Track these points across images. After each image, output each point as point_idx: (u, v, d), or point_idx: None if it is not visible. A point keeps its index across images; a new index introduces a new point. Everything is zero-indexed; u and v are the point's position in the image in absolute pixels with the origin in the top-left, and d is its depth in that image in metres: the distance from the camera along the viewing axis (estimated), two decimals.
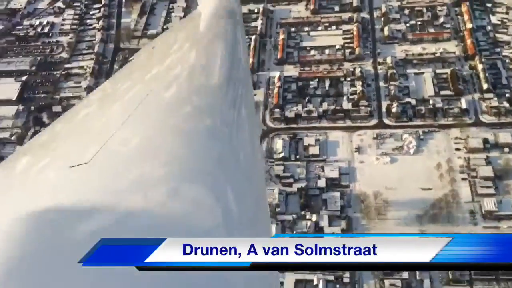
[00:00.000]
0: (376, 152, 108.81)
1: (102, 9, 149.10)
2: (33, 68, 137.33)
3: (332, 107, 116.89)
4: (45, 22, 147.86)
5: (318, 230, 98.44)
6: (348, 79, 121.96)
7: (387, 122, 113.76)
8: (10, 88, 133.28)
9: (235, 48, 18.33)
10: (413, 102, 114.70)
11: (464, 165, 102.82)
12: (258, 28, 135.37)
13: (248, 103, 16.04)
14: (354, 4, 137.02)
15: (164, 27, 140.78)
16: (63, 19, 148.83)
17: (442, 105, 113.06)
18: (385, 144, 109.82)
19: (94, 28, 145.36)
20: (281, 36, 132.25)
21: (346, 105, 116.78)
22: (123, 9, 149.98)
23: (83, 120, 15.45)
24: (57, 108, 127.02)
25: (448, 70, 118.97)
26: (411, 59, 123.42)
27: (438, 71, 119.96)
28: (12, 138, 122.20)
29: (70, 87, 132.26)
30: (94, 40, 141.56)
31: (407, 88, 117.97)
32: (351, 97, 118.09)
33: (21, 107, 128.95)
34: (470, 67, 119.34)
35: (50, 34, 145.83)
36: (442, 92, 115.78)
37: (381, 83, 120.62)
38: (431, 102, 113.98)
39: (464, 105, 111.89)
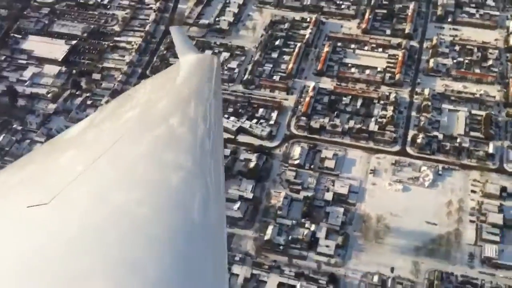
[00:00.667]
0: (390, 177, 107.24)
1: None
2: (85, 34, 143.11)
3: (358, 126, 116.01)
4: None
5: (313, 240, 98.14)
6: (381, 102, 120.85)
7: (409, 151, 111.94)
8: (58, 49, 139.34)
9: (208, 112, 17.99)
10: (440, 137, 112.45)
11: (476, 208, 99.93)
12: (306, 37, 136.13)
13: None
14: (407, 31, 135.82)
15: (217, 19, 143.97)
16: None
17: (468, 146, 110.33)
18: (402, 172, 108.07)
19: (150, 8, 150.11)
20: (326, 49, 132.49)
21: (373, 127, 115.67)
22: None
23: (48, 160, 15.27)
24: (96, 76, 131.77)
25: (483, 113, 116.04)
26: (449, 95, 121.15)
27: (473, 111, 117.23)
28: (48, 95, 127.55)
29: (114, 59, 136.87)
30: (148, 19, 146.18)
31: (438, 123, 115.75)
32: (379, 120, 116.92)
33: (64, 69, 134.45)
34: (508, 114, 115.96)
35: (108, 6, 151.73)
36: (472, 133, 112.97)
37: (413, 113, 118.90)
38: (458, 140, 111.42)
39: (491, 150, 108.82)
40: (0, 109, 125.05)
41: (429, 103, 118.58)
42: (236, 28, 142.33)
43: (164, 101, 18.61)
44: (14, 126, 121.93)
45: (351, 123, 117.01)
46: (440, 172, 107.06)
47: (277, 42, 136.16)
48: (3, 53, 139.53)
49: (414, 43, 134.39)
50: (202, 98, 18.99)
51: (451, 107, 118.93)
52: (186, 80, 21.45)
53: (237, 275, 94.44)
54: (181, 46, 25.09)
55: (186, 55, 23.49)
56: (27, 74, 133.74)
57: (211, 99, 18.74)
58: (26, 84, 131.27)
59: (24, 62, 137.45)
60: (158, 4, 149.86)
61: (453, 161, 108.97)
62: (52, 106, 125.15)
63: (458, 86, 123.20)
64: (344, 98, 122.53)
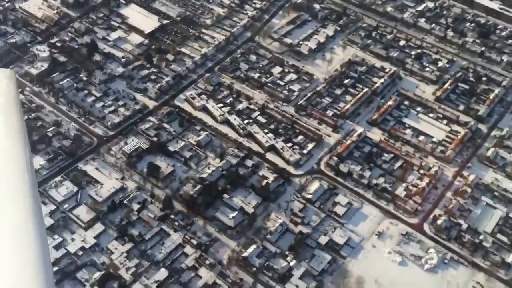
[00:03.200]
0: (393, 247, 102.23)
1: (263, 2, 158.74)
2: (178, 18, 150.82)
3: (386, 185, 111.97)
4: None
5: (287, 275, 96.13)
6: (421, 172, 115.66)
7: (425, 228, 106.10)
8: (149, 23, 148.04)
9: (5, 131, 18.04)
10: (464, 226, 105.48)
11: None
12: (375, 85, 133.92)
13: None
14: (480, 113, 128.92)
15: (300, 43, 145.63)
16: None
17: (489, 246, 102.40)
18: (407, 246, 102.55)
19: (246, 13, 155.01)
20: (390, 103, 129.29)
21: (400, 192, 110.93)
22: (280, 12, 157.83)
23: None
24: (170, 57, 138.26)
25: None
26: (494, 190, 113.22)
27: (511, 215, 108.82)
28: (122, 60, 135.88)
29: (192, 48, 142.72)
30: (239, 23, 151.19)
31: (469, 212, 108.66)
32: (410, 187, 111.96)
33: (146, 41, 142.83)
34: None
35: (211, 1, 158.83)
36: (499, 236, 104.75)
37: (448, 193, 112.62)
38: (481, 237, 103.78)
39: (510, 259, 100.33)
40: (77, 57, 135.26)
41: (469, 189, 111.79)
42: (314, 56, 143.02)
43: None
44: (81, 75, 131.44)
45: (381, 180, 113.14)
46: (446, 261, 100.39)
47: (346, 81, 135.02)
48: (103, 11, 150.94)
49: (482, 128, 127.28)
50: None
51: (490, 201, 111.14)
52: None
53: (201, 277, 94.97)
54: None
55: None
56: (113, 35, 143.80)
57: (9, 115, 19.09)
58: (108, 43, 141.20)
59: (116, 24, 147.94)
60: (254, 12, 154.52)
61: (465, 255, 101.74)
62: (120, 69, 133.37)
63: (508, 184, 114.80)
64: (385, 155, 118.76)
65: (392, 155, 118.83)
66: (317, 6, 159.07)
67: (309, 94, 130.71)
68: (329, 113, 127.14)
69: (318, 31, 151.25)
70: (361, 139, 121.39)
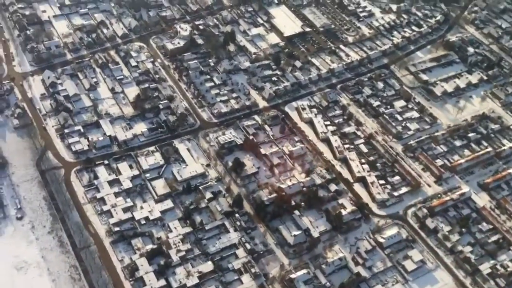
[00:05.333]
0: None
1: (414, 32, 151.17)
2: (321, 28, 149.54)
3: (471, 256, 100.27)
4: (364, 8, 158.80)
5: None
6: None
7: None
8: (291, 28, 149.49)
9: None
10: None
11: None
12: (503, 148, 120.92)
13: None
14: None
15: (436, 82, 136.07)
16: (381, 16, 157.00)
17: None
18: None
19: (392, 40, 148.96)
20: (511, 171, 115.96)
21: (484, 268, 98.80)
22: (428, 46, 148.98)
23: None
24: (297, 64, 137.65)
25: None
26: None
27: None
28: (252, 56, 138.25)
29: (322, 60, 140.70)
30: (380, 47, 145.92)
31: None
32: (499, 267, 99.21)
33: (281, 44, 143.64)
34: None
35: (361, 19, 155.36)
36: None
37: None
38: None
39: None
40: (213, 43, 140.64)
41: None
42: (446, 99, 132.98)
43: None
44: (210, 61, 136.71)
45: (468, 248, 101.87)
46: None
47: (471, 134, 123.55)
48: (253, 6, 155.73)
49: None
50: None
51: None
52: None
53: (242, 283, 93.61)
54: None
55: None
56: (254, 31, 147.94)
57: None
58: (247, 37, 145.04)
59: (261, 21, 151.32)
60: (400, 40, 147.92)
61: None
62: (246, 64, 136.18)
63: None
64: (484, 224, 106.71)
65: (491, 227, 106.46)
66: (470, 50, 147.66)
67: (424, 137, 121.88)
68: (439, 162, 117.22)
69: (462, 75, 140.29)
70: (463, 199, 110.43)
